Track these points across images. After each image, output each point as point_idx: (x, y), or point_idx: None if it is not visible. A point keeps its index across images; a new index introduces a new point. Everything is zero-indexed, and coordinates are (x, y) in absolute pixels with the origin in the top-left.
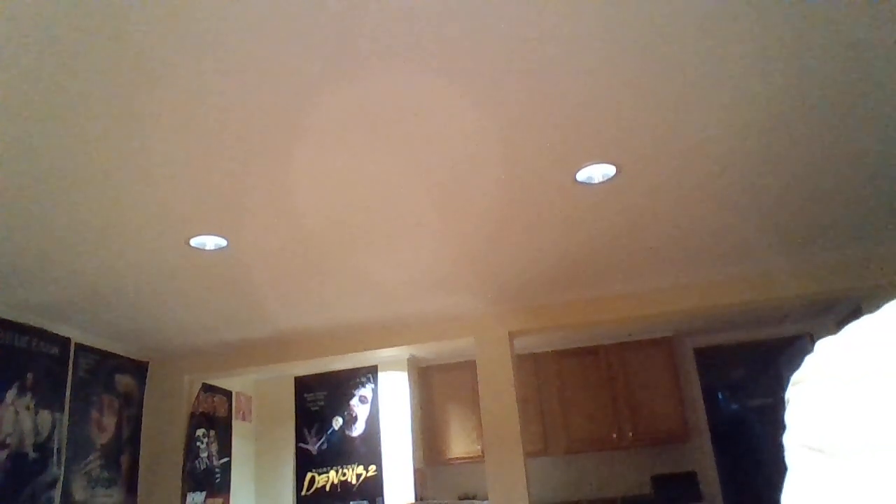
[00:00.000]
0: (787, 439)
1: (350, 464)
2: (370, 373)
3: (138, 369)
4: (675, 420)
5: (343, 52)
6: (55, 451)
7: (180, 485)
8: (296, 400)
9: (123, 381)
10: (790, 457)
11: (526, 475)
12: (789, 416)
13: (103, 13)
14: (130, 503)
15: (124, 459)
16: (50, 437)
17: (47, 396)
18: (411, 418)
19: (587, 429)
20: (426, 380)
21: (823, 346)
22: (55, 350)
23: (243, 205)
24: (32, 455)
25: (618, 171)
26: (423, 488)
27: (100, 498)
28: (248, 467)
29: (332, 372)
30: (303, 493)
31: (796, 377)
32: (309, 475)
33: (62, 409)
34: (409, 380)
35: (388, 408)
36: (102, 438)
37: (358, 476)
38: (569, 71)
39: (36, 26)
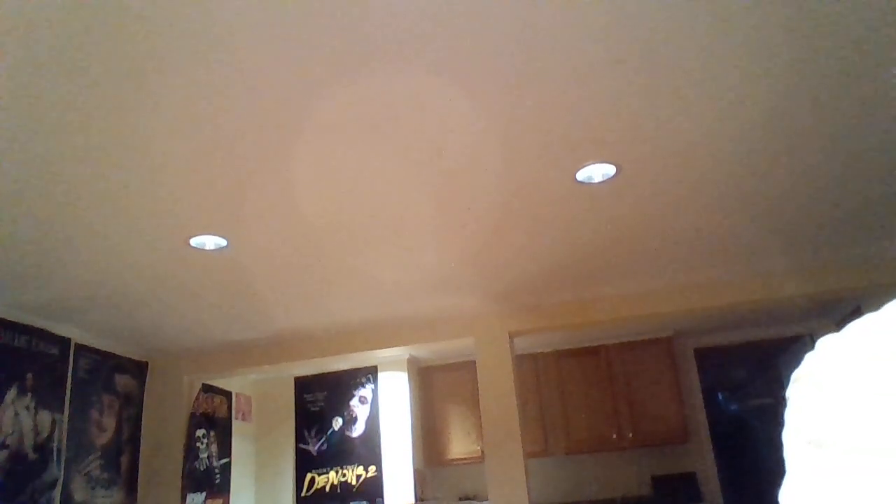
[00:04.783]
0: (787, 436)
1: (350, 464)
2: (370, 373)
3: (138, 369)
4: (674, 420)
5: (343, 53)
6: (55, 451)
7: (180, 485)
8: (296, 400)
9: (123, 381)
10: (789, 453)
11: (526, 476)
12: (789, 414)
13: (104, 14)
14: None
15: (124, 460)
16: (50, 438)
17: (47, 397)
18: (411, 419)
19: (587, 429)
20: (426, 380)
21: (825, 343)
22: (55, 350)
23: (243, 205)
24: (32, 455)
25: (618, 171)
26: (423, 489)
27: (100, 498)
28: (248, 468)
29: (332, 372)
30: (303, 493)
31: (797, 375)
32: (309, 476)
33: (62, 410)
34: (409, 380)
35: (387, 408)
36: (102, 439)
37: (358, 477)
38: (569, 71)
39: (37, 29)
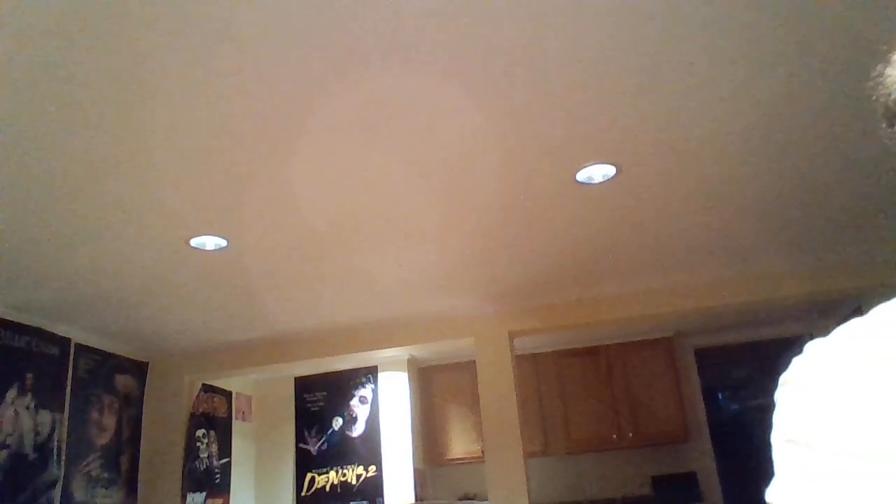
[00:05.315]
0: (773, 437)
1: (350, 464)
2: (370, 373)
3: (138, 369)
4: (675, 420)
5: (343, 53)
6: (55, 451)
7: (180, 485)
8: (296, 400)
9: (123, 381)
10: (776, 455)
11: (526, 475)
12: (776, 416)
13: (103, 15)
14: None
15: (124, 460)
16: (50, 438)
17: (47, 396)
18: (411, 418)
19: (587, 429)
20: (426, 380)
21: (812, 348)
22: (55, 350)
23: (243, 205)
24: (32, 455)
25: (618, 171)
26: (423, 489)
27: (100, 498)
28: (248, 468)
29: (332, 372)
30: (303, 493)
31: (784, 378)
32: (309, 475)
33: (62, 410)
34: (409, 380)
35: (388, 408)
36: (102, 439)
37: (358, 476)
38: (569, 71)
39: (37, 27)
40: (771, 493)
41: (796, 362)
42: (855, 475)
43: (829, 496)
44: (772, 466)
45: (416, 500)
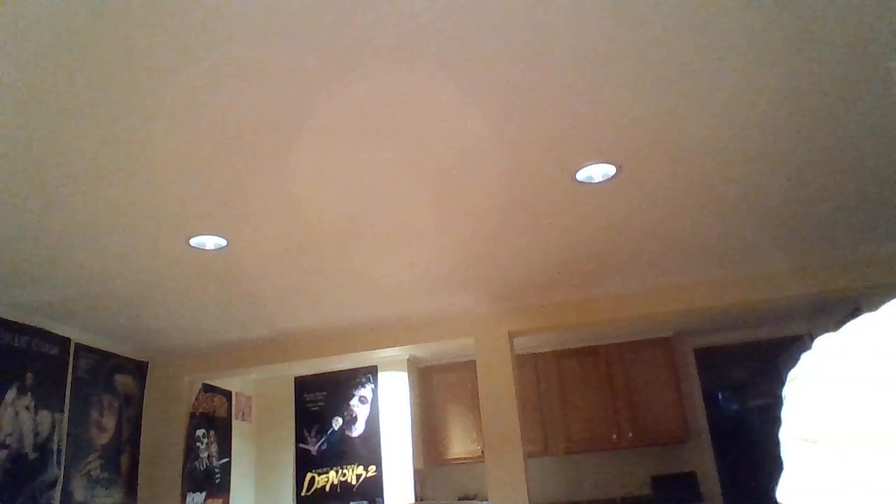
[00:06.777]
0: (783, 434)
1: (350, 464)
2: (370, 373)
3: (138, 369)
4: (674, 420)
5: (343, 53)
6: (55, 451)
7: (180, 485)
8: (296, 400)
9: (123, 381)
10: (785, 450)
11: (526, 475)
12: (785, 412)
13: (103, 14)
14: None
15: (124, 460)
16: (50, 438)
17: (47, 396)
18: (411, 418)
19: (587, 429)
20: (426, 380)
21: (821, 343)
22: (55, 350)
23: (243, 205)
24: (32, 455)
25: (618, 171)
26: (423, 489)
27: (99, 498)
28: (248, 468)
29: (332, 372)
30: (303, 493)
31: (793, 374)
32: (309, 475)
33: (62, 410)
34: (409, 380)
35: (387, 408)
36: (102, 439)
37: (358, 476)
38: (569, 71)
39: (36, 28)
40: (781, 492)
41: (805, 358)
42: (867, 470)
43: (841, 492)
44: (779, 464)
45: (416, 500)
